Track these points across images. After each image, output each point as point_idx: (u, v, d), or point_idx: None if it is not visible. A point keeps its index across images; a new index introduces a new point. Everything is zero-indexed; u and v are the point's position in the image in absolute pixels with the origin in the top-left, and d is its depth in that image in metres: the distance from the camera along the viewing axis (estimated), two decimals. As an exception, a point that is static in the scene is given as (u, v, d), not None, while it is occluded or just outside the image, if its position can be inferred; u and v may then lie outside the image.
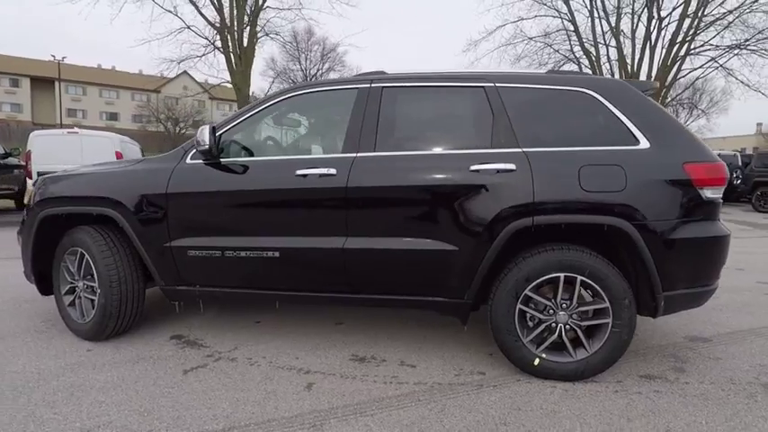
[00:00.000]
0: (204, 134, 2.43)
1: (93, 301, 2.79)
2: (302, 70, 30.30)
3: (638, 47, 18.05)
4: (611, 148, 2.29)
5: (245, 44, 13.48)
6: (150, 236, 2.65)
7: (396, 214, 2.42)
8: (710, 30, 16.35)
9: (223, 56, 13.43)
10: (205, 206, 2.61)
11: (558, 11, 18.98)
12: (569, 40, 19.35)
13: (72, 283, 2.87)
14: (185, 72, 23.39)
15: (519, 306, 2.31)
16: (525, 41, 19.29)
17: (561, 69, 2.84)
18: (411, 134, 2.54)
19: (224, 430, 1.89)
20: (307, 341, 2.83)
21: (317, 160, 2.51)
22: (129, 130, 34.54)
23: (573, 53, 19.49)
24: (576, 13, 18.74)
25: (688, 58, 16.95)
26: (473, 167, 2.32)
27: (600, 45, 18.46)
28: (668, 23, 16.86)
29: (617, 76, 18.58)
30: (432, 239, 2.37)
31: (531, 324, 2.36)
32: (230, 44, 13.39)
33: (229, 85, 14.38)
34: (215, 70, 26.06)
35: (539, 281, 2.28)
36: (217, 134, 2.58)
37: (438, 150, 2.45)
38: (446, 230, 2.35)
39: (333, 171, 2.43)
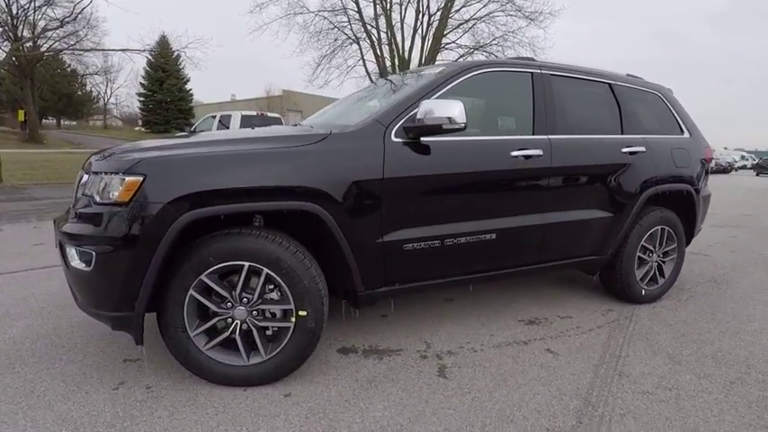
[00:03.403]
0: (457, 110, 2.10)
1: (268, 330, 2.02)
2: (7, 5, 21.29)
3: (409, 36, 21.13)
4: (678, 136, 3.30)
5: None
6: (361, 233, 2.11)
7: (579, 190, 2.79)
8: (458, 31, 20.80)
9: None
10: (425, 191, 2.27)
11: (342, -11, 20.01)
12: (350, 22, 20.77)
13: (221, 313, 1.96)
14: None
15: (638, 254, 3.12)
16: (314, 15, 19.64)
17: (635, 75, 3.62)
18: (574, 119, 2.87)
19: (587, 400, 1.99)
20: (460, 322, 2.86)
21: (524, 141, 2.56)
22: None
23: (354, 33, 21.07)
24: (359, -3, 20.20)
25: (446, 52, 21.11)
26: (623, 150, 2.92)
27: (381, 31, 20.64)
28: (434, 20, 20.44)
29: (389, 60, 21.33)
30: (598, 209, 2.87)
31: (636, 266, 3.20)
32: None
33: None
34: None
35: (648, 233, 3.13)
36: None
37: (599, 135, 2.90)
38: (607, 201, 2.89)
39: (540, 152, 2.56)
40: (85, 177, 1.98)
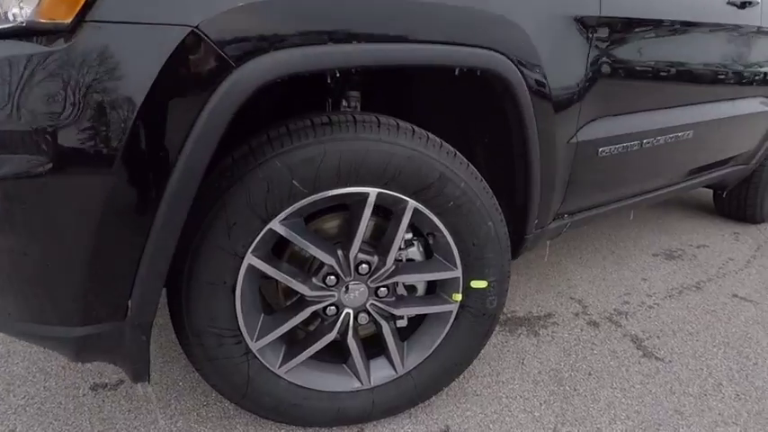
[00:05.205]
0: None
1: (401, 319, 1.03)
2: None
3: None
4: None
5: None
6: (554, 124, 1.10)
7: (764, 68, 1.92)
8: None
9: None
10: (633, 51, 1.27)
11: None
12: None
13: (316, 299, 0.92)
14: None
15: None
16: None
17: None
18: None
19: None
20: (586, 263, 2.02)
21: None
22: None
23: None
24: None
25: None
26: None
27: None
28: None
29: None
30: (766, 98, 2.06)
31: None
32: None
33: None
34: None
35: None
36: None
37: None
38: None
39: (756, -1, 1.63)
40: None
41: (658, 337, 1.49)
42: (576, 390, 1.23)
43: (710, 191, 2.71)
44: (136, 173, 0.66)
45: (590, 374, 1.30)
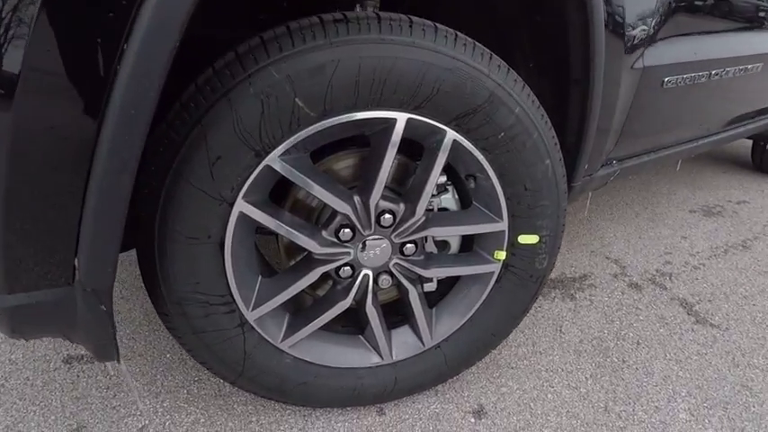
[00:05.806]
0: None
1: (429, 282, 0.84)
2: None
3: None
4: None
5: None
6: (622, 37, 0.88)
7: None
8: None
9: None
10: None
11: None
12: None
13: (329, 257, 0.73)
14: None
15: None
16: None
17: None
18: None
19: None
20: (618, 219, 1.84)
21: None
22: None
23: None
24: None
25: None
26: None
27: None
28: None
29: None
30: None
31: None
32: None
33: None
34: None
35: None
36: None
37: None
38: None
39: None
40: None
41: (710, 300, 1.32)
42: (624, 361, 1.07)
43: (748, 144, 2.52)
44: (57, 74, 0.45)
45: (638, 344, 1.13)
